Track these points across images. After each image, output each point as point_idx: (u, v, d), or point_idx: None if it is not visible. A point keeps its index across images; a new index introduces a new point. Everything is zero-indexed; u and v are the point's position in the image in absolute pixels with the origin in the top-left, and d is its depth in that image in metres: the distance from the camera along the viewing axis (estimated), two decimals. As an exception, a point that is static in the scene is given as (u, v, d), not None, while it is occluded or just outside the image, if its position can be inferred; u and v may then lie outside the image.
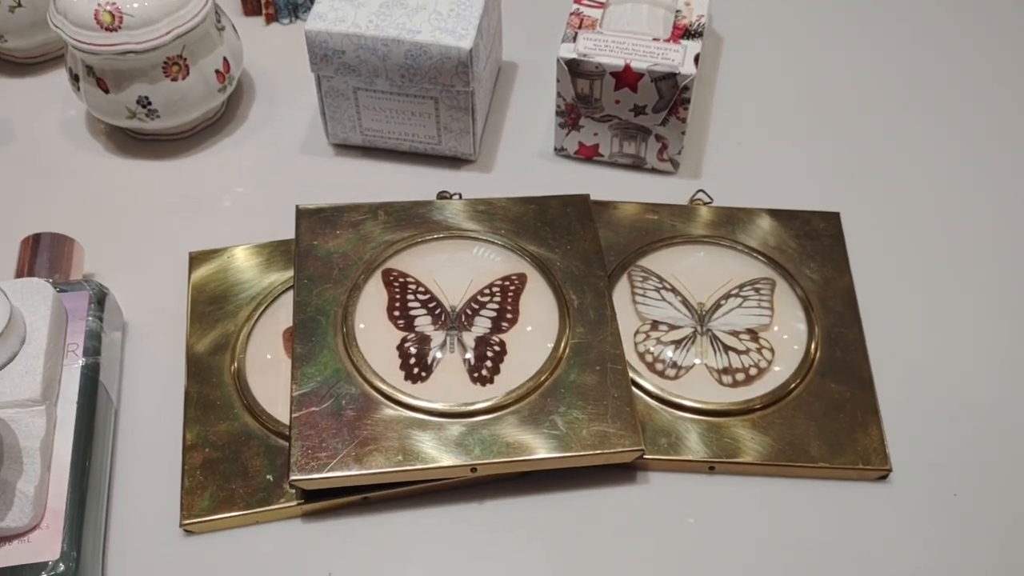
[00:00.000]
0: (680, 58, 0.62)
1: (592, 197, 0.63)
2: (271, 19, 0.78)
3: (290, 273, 0.60)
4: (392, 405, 0.53)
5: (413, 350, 0.56)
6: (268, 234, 0.63)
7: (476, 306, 0.58)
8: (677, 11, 0.65)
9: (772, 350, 0.58)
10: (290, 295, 0.59)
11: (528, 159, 0.70)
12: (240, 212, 0.67)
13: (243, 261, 0.62)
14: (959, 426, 0.56)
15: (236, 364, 0.57)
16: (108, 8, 0.62)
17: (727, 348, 0.58)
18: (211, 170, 0.70)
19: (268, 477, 0.53)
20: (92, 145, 0.71)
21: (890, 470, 0.54)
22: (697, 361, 0.57)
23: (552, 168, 0.69)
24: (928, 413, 0.57)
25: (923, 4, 0.80)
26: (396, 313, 0.57)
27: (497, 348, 0.56)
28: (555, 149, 0.69)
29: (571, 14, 0.65)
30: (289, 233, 0.61)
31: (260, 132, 0.72)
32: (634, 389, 0.55)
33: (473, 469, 0.52)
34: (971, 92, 0.74)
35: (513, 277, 0.59)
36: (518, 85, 0.74)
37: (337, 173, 0.69)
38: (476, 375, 0.55)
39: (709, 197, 0.65)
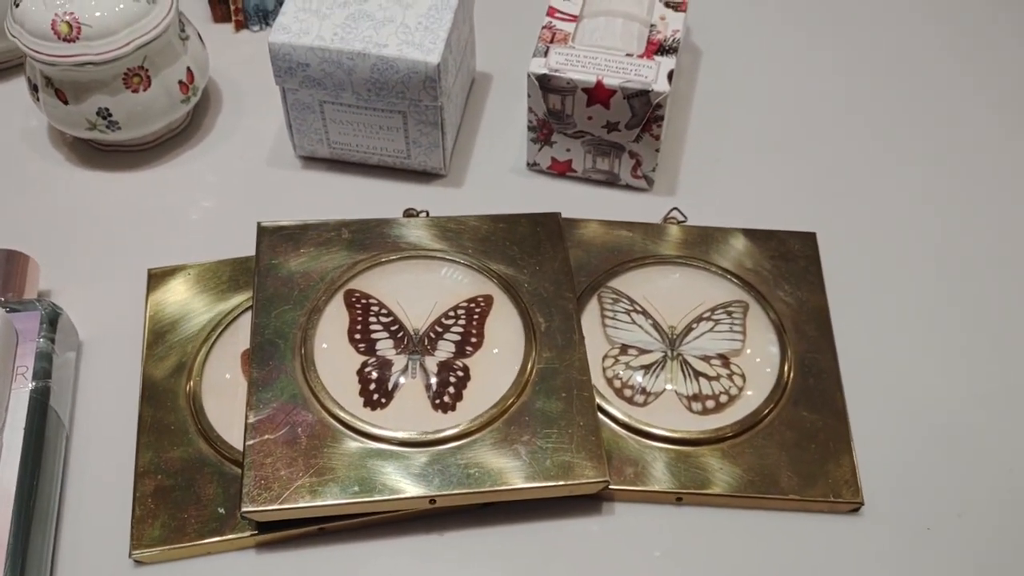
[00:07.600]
0: (653, 75, 0.60)
1: (564, 213, 0.62)
2: (240, 26, 0.76)
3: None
4: (349, 433, 0.52)
5: (374, 375, 0.54)
6: (233, 249, 0.62)
7: (440, 329, 0.56)
8: (652, 26, 0.63)
9: (744, 376, 0.56)
10: (250, 315, 0.57)
11: (500, 174, 0.68)
12: (204, 226, 0.66)
13: (204, 278, 0.60)
14: (934, 459, 0.55)
15: (191, 385, 0.55)
16: (66, 18, 0.60)
17: (698, 374, 0.56)
18: (175, 183, 0.68)
19: (220, 510, 0.51)
20: (53, 156, 0.69)
21: (862, 503, 0.52)
22: (667, 387, 0.56)
23: (524, 183, 0.67)
24: (902, 444, 0.55)
25: (904, 24, 0.78)
26: (357, 336, 0.56)
27: (460, 373, 0.54)
28: (527, 164, 0.68)
29: (543, 27, 0.63)
30: (254, 249, 0.60)
31: (226, 143, 0.70)
32: (601, 416, 0.54)
33: (432, 501, 0.50)
34: (952, 114, 0.72)
35: (479, 299, 0.57)
36: (492, 97, 0.73)
37: (304, 186, 0.67)
38: (438, 401, 0.53)
39: (683, 215, 0.63)
